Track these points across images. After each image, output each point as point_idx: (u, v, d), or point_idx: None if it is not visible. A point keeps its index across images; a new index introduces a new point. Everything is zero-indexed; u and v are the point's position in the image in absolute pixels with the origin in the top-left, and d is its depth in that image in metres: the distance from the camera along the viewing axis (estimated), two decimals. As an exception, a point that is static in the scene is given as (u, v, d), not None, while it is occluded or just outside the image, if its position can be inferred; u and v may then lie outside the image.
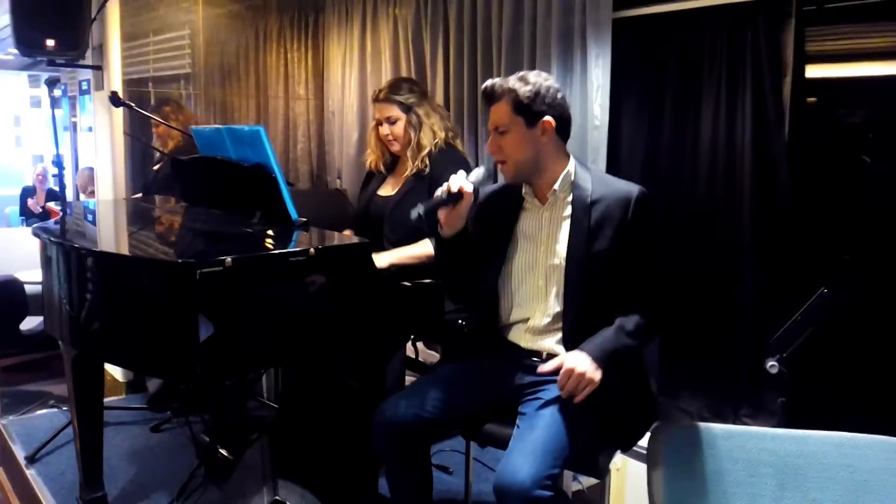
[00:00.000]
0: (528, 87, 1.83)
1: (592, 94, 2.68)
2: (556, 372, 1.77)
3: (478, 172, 1.89)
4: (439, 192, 1.84)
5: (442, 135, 2.60)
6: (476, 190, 1.86)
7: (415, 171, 2.57)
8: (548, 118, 1.85)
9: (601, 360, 1.76)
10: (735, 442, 1.79)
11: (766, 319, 2.41)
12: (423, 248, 2.44)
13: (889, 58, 2.38)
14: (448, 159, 2.56)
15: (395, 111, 2.58)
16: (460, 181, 1.83)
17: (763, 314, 2.45)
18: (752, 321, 2.48)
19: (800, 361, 1.97)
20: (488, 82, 1.88)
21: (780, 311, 2.22)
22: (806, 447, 1.75)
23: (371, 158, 2.76)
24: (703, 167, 2.58)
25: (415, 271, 2.41)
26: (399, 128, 2.59)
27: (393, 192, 2.65)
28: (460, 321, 2.54)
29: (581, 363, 1.74)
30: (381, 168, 2.74)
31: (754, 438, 1.79)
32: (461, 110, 3.28)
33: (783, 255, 2.41)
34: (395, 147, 2.64)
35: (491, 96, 1.87)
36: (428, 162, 2.56)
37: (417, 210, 1.81)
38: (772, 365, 2.00)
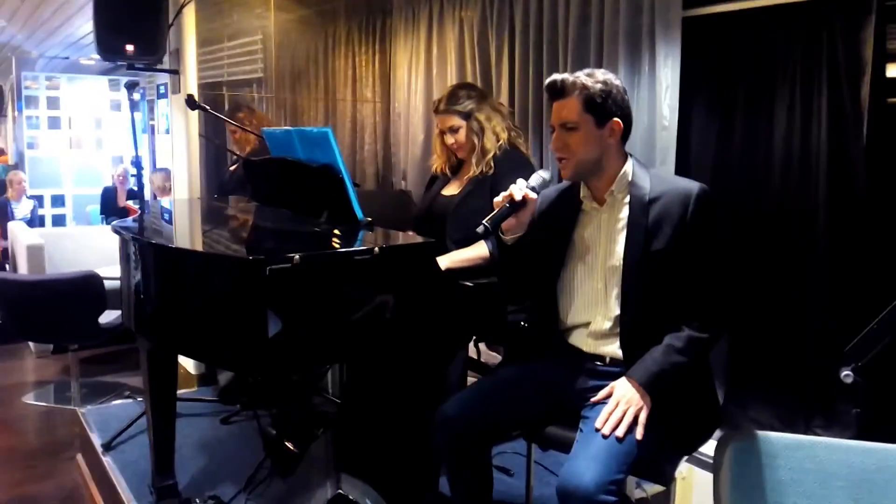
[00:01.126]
0: (601, 86, 1.80)
1: (661, 94, 2.64)
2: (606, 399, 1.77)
3: (537, 177, 1.87)
4: (500, 199, 1.84)
5: (504, 135, 2.60)
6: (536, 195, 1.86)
7: (479, 172, 2.59)
8: (617, 119, 1.83)
9: (648, 384, 1.75)
10: (805, 453, 1.73)
11: (839, 327, 2.33)
12: (478, 251, 2.45)
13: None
14: (510, 162, 2.56)
15: (456, 120, 2.60)
16: (522, 189, 1.83)
17: (837, 321, 2.36)
18: (826, 329, 2.40)
19: (876, 371, 1.89)
20: (556, 76, 1.85)
21: (856, 318, 2.14)
22: (883, 461, 1.68)
23: (437, 163, 2.79)
24: (776, 170, 2.51)
25: (472, 272, 2.42)
26: (462, 136, 2.61)
27: (456, 192, 2.67)
28: (522, 322, 2.54)
29: (628, 392, 1.74)
30: (447, 171, 2.76)
31: (826, 450, 1.73)
32: (526, 111, 3.28)
33: (860, 261, 2.32)
34: (461, 154, 2.67)
35: (559, 91, 1.83)
36: (492, 164, 2.57)
37: (484, 224, 1.80)
38: (846, 374, 1.93)
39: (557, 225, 1.96)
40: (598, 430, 1.71)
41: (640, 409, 1.72)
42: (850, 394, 1.94)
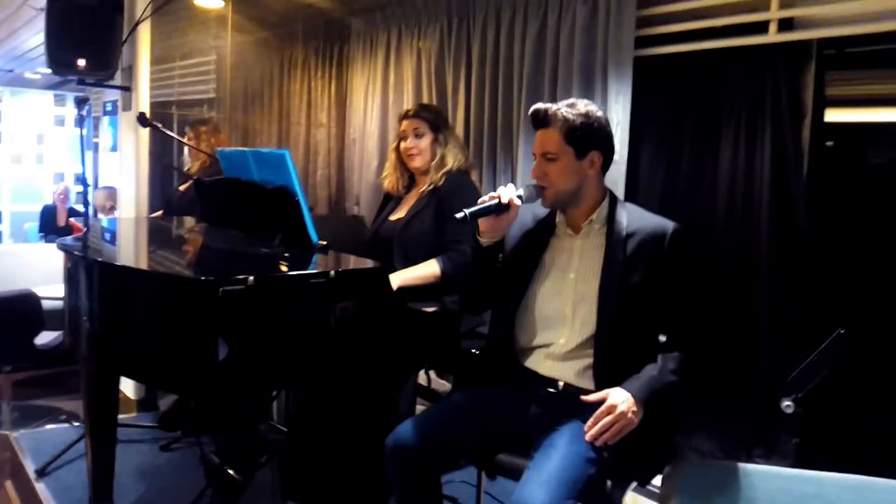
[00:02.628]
0: (582, 119, 1.85)
1: (612, 129, 2.69)
2: (596, 404, 1.78)
3: (527, 189, 1.90)
4: (486, 198, 1.87)
5: (462, 159, 2.66)
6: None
7: (430, 187, 2.61)
8: (597, 151, 1.88)
9: (644, 401, 1.77)
10: (750, 481, 1.78)
11: (780, 359, 2.40)
12: (429, 269, 2.47)
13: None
14: (461, 185, 2.60)
15: (424, 126, 2.65)
16: (510, 193, 1.86)
17: (778, 354, 2.44)
18: (767, 361, 2.47)
19: (815, 402, 1.96)
20: (540, 106, 1.88)
21: (797, 351, 2.22)
22: (821, 489, 1.74)
23: (388, 180, 2.80)
24: (720, 206, 2.60)
25: (422, 291, 2.43)
26: (425, 142, 2.64)
27: (403, 215, 2.69)
28: (474, 350, 2.55)
29: (625, 402, 1.75)
30: (399, 188, 2.77)
31: (769, 478, 1.78)
32: (481, 142, 3.32)
33: (800, 294, 2.41)
34: (416, 162, 2.67)
35: (542, 121, 1.88)
36: (443, 180, 2.60)
37: (464, 212, 1.83)
38: (787, 405, 1.99)
39: (528, 244, 1.99)
40: (586, 439, 1.74)
41: (627, 425, 1.74)
42: (790, 424, 2.00)
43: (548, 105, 1.88)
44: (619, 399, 1.76)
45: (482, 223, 1.90)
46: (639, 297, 1.85)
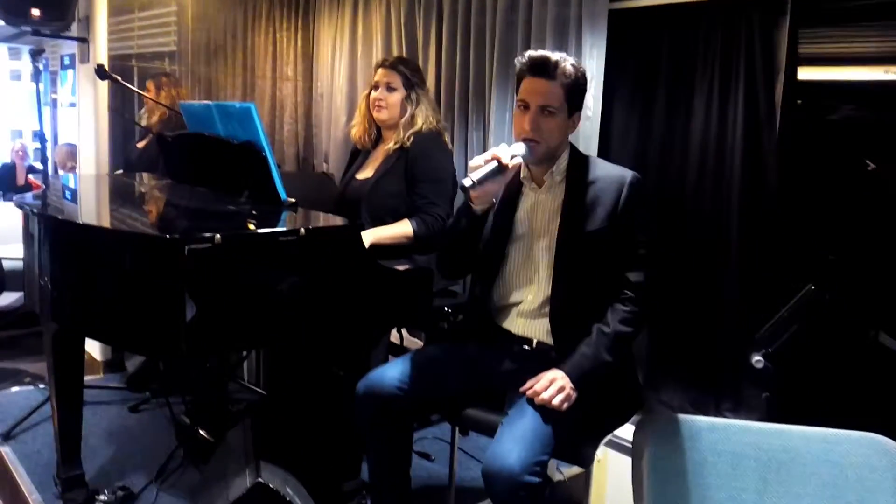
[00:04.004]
0: (581, 78, 1.82)
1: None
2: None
3: (520, 147, 1.81)
4: (483, 159, 1.75)
5: (433, 121, 2.62)
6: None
7: (397, 146, 2.57)
8: (579, 113, 1.88)
9: (578, 381, 1.77)
10: (719, 435, 1.80)
11: (749, 315, 2.43)
12: (402, 229, 2.47)
13: (877, 63, 2.40)
14: (430, 143, 2.56)
15: (398, 81, 2.60)
16: (509, 152, 1.76)
17: (748, 310, 2.46)
18: (737, 317, 2.50)
19: (784, 357, 1.99)
20: (546, 53, 1.81)
21: (765, 306, 2.24)
22: (790, 442, 1.77)
23: (356, 129, 2.75)
24: (692, 162, 2.59)
25: (394, 250, 2.41)
26: (395, 98, 2.60)
27: (370, 175, 2.64)
28: (447, 308, 2.54)
29: (560, 380, 1.76)
30: (366, 141, 2.72)
31: (739, 432, 1.80)
32: (452, 96, 3.26)
33: (770, 251, 2.42)
34: (382, 115, 2.63)
35: (547, 71, 1.80)
36: (412, 140, 2.56)
37: (471, 179, 1.71)
38: (757, 360, 2.01)
39: (501, 207, 1.96)
40: (527, 398, 1.74)
41: (567, 399, 1.75)
42: (759, 378, 2.03)
43: (554, 54, 1.81)
44: (555, 374, 1.77)
45: (485, 188, 1.77)
46: (596, 245, 1.84)
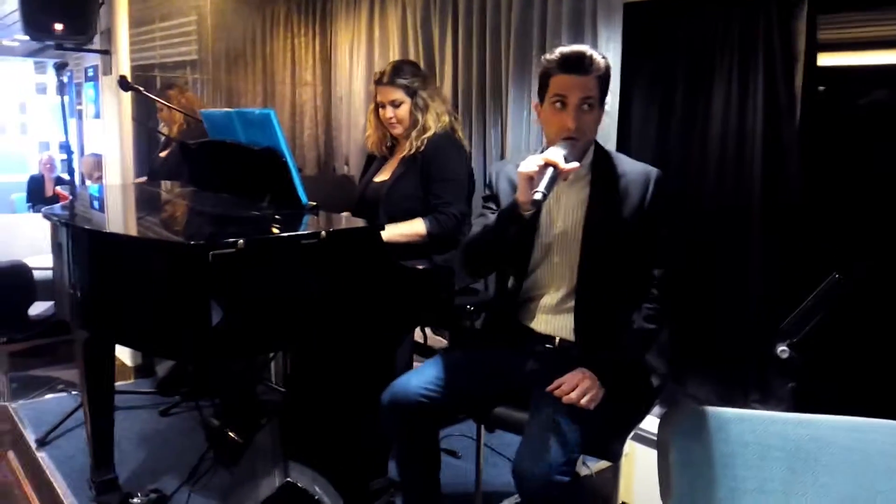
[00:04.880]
0: (610, 70, 1.80)
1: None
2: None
3: (563, 147, 1.73)
4: (536, 165, 1.66)
5: (446, 119, 2.62)
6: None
7: (412, 151, 2.58)
8: (605, 105, 1.85)
9: (605, 380, 1.77)
10: (745, 426, 1.79)
11: (774, 306, 2.41)
12: (415, 227, 2.48)
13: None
14: (445, 143, 2.57)
15: (400, 94, 2.59)
16: (561, 156, 1.67)
17: (772, 301, 2.44)
18: (761, 308, 2.48)
19: (810, 347, 1.97)
20: (581, 48, 1.78)
21: (790, 297, 2.22)
22: (817, 431, 1.75)
23: (371, 140, 2.76)
24: (713, 154, 2.57)
25: (408, 248, 2.42)
26: (404, 111, 2.60)
27: (388, 177, 2.66)
28: (469, 306, 2.55)
29: (587, 380, 1.76)
30: (382, 149, 2.75)
31: (764, 423, 1.79)
32: (470, 95, 3.27)
33: (794, 241, 2.40)
34: (398, 130, 2.65)
35: (584, 67, 1.76)
36: (426, 143, 2.56)
37: (541, 192, 1.62)
38: (782, 350, 2.00)
39: None
40: (553, 397, 1.74)
41: (594, 399, 1.75)
42: (785, 369, 2.02)
43: (591, 50, 1.78)
44: (582, 374, 1.77)
45: (521, 195, 1.69)
46: (621, 240, 1.84)
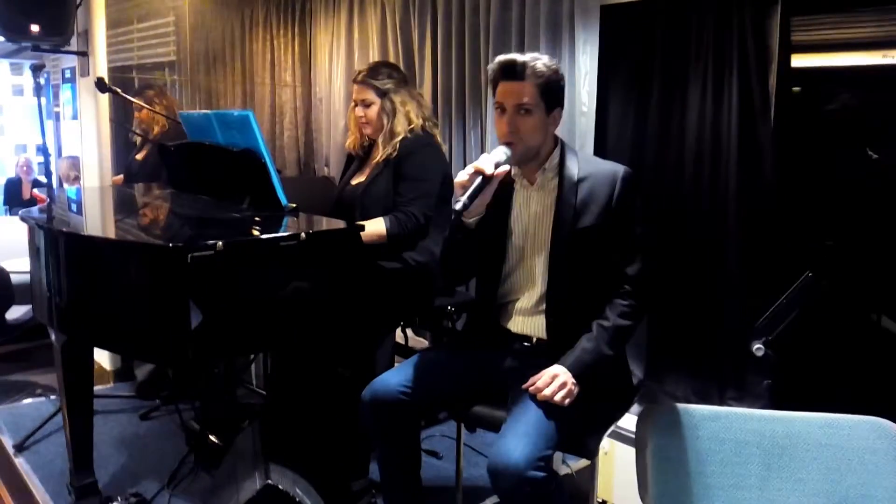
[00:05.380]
0: (554, 75, 1.83)
1: (580, 80, 2.69)
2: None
3: (500, 153, 1.79)
4: (466, 175, 1.73)
5: (418, 122, 2.59)
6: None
7: (385, 156, 2.58)
8: (559, 109, 1.88)
9: (580, 376, 1.79)
10: (721, 423, 1.81)
11: (750, 304, 2.44)
12: (376, 227, 2.44)
13: (874, 48, 2.40)
14: (418, 144, 2.56)
15: (371, 95, 2.58)
16: (490, 161, 1.74)
17: (748, 299, 2.47)
18: (737, 306, 2.51)
19: (785, 344, 2.00)
20: (513, 56, 1.82)
21: (765, 296, 2.25)
22: (791, 428, 1.78)
23: (350, 139, 2.77)
24: (689, 154, 2.60)
25: (380, 252, 2.41)
26: (373, 112, 2.59)
27: (363, 179, 2.66)
28: (449, 307, 2.56)
29: (561, 375, 1.78)
30: (358, 149, 2.74)
31: (740, 420, 1.82)
32: (449, 97, 3.28)
33: (769, 239, 2.43)
34: (368, 130, 2.65)
35: (515, 72, 1.81)
36: (398, 147, 2.56)
37: (462, 201, 1.69)
38: (758, 348, 2.03)
39: (495, 207, 1.94)
40: (529, 394, 1.76)
41: (569, 394, 1.77)
42: (761, 366, 2.05)
43: (520, 56, 1.83)
44: (556, 370, 1.79)
45: (467, 210, 1.74)
46: (590, 241, 1.86)
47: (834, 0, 2.44)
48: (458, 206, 1.70)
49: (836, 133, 2.49)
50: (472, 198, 1.72)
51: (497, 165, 1.76)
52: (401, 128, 2.55)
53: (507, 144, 1.83)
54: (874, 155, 2.40)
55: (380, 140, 2.59)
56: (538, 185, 1.94)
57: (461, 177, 1.74)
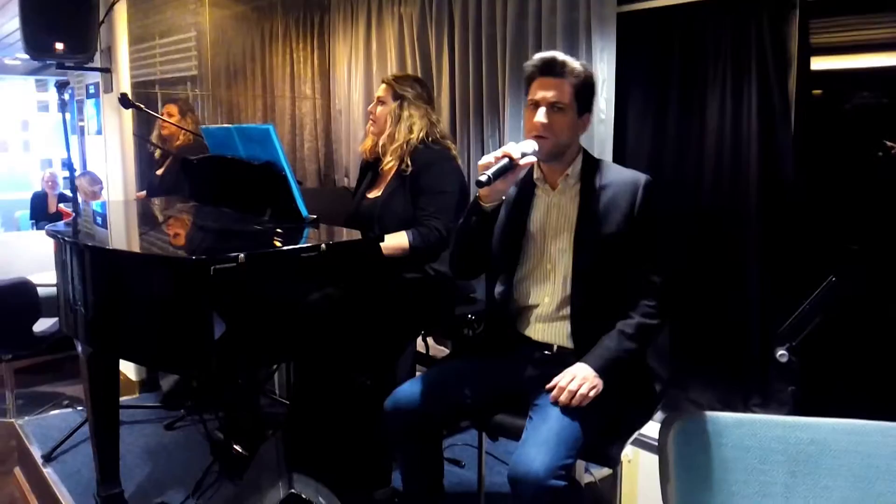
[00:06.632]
0: (589, 79, 1.87)
1: (598, 88, 2.67)
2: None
3: (530, 145, 1.82)
4: (496, 155, 1.76)
5: (418, 136, 2.56)
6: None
7: (395, 169, 2.58)
8: (589, 114, 1.91)
9: (603, 370, 1.79)
10: (746, 430, 1.80)
11: (773, 310, 2.42)
12: (398, 240, 2.44)
13: (894, 49, 2.38)
14: (434, 157, 2.55)
15: (388, 95, 2.61)
16: (519, 150, 1.78)
17: (771, 305, 2.46)
18: (760, 312, 2.49)
19: (809, 350, 1.98)
20: (554, 54, 1.85)
21: (788, 301, 2.23)
22: (817, 435, 1.76)
23: (366, 142, 2.77)
24: (709, 160, 2.59)
25: (401, 262, 2.42)
26: (383, 111, 2.61)
27: (379, 194, 2.66)
28: (470, 315, 2.56)
29: (583, 371, 1.78)
30: (370, 155, 2.75)
31: (765, 427, 1.80)
32: (467, 107, 3.30)
33: (791, 245, 2.42)
34: (372, 128, 2.67)
35: (556, 70, 1.84)
36: (409, 161, 2.56)
37: (487, 174, 1.73)
38: (781, 354, 2.01)
39: (514, 206, 1.98)
40: (552, 402, 1.76)
41: (593, 387, 1.77)
42: (785, 372, 2.03)
43: (563, 56, 1.85)
44: (577, 370, 1.79)
45: (497, 185, 1.78)
46: (613, 248, 1.86)
47: (852, 2, 2.42)
48: (481, 178, 1.73)
49: (859, 135, 2.46)
50: (495, 174, 1.74)
51: (524, 155, 1.79)
52: (400, 136, 2.55)
53: (537, 138, 1.84)
54: (894, 147, 2.38)
55: (379, 143, 2.61)
56: (560, 191, 1.94)
57: (486, 159, 1.77)
